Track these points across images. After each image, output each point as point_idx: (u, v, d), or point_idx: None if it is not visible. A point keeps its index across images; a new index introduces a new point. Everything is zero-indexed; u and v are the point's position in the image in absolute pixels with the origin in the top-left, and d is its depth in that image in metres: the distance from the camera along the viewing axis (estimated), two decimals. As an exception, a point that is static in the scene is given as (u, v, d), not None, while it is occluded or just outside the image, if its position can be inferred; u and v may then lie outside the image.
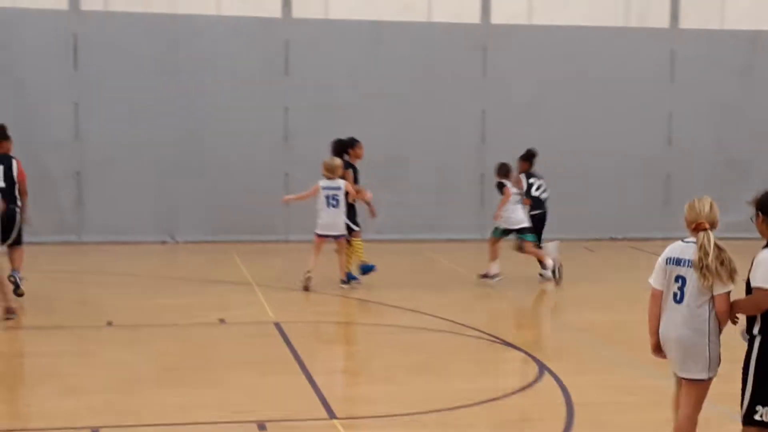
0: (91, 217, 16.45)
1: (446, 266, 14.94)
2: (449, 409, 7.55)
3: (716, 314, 5.76)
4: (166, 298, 12.01)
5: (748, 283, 5.63)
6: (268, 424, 7.11)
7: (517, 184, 13.35)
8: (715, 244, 5.73)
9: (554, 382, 8.34)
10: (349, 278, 12.78)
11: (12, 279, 11.38)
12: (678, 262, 5.85)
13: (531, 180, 13.62)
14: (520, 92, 17.53)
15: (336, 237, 12.67)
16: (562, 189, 15.49)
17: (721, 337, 5.86)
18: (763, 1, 18.73)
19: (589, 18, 17.99)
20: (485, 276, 13.17)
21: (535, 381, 8.43)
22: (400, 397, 7.96)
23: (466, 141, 17.61)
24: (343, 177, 12.64)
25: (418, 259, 15.72)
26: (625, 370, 8.85)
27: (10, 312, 10.71)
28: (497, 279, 13.13)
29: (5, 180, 11.50)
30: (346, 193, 12.59)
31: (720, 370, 5.87)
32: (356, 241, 12.89)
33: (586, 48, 17.73)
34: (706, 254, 5.69)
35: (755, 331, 5.62)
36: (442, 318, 10.93)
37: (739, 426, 5.70)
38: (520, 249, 13.32)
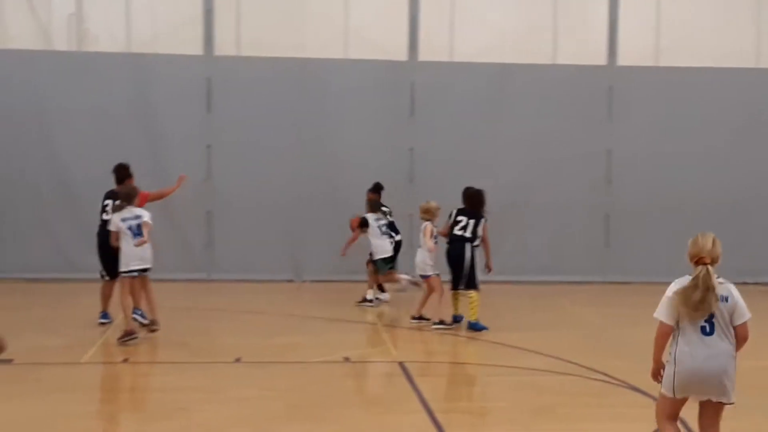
0: (220, 255, 16.85)
1: (569, 308, 14.81)
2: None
3: (738, 342, 6.30)
4: (292, 336, 12.20)
5: None
6: (392, 462, 7.16)
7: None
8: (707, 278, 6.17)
9: (683, 429, 8.16)
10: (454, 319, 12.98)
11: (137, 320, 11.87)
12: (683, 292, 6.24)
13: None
14: (645, 132, 17.35)
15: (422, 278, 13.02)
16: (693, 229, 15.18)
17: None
18: None
19: (718, 60, 17.74)
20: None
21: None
22: (525, 439, 7.91)
23: (589, 181, 17.48)
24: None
25: (539, 300, 15.63)
26: (759, 418, 8.61)
27: (129, 334, 11.20)
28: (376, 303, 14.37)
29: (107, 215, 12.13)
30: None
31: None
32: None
33: (712, 89, 17.47)
34: (707, 288, 6.15)
35: None
36: (565, 360, 10.82)
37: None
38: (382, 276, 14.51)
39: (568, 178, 17.38)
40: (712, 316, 6.23)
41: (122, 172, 12.49)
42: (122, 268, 11.58)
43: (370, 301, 14.49)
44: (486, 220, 12.89)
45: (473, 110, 17.20)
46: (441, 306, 12.83)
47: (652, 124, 17.49)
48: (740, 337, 6.29)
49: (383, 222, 14.57)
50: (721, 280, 6.29)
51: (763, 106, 17.62)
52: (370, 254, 14.52)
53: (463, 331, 12.68)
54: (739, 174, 17.50)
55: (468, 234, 12.79)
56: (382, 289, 14.96)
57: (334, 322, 13.36)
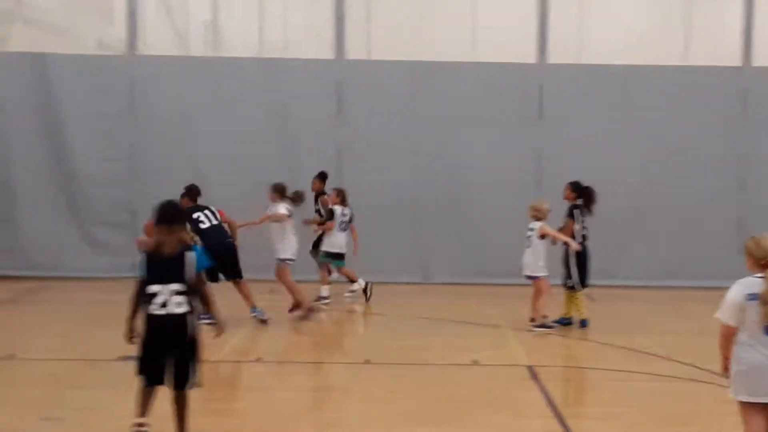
0: (350, 257, 17.05)
1: (699, 314, 14.53)
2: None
3: None
4: (420, 338, 12.31)
5: None
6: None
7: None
8: None
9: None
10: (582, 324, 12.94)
11: (258, 318, 12.23)
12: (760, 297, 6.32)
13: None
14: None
15: (529, 278, 12.86)
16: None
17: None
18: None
19: None
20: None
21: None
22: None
23: (721, 185, 17.12)
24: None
25: (667, 306, 15.40)
26: None
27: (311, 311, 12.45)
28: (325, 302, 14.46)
29: (214, 220, 12.64)
30: (542, 236, 12.70)
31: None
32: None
33: None
34: None
35: None
36: (698, 367, 10.66)
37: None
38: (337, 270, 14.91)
39: (699, 181, 17.06)
40: None
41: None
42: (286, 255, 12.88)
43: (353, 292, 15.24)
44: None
45: (603, 113, 17.04)
46: (543, 308, 12.82)
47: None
48: None
49: (346, 219, 14.87)
50: None
51: None
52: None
53: (576, 333, 12.64)
54: None
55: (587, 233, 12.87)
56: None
57: (462, 325, 13.42)
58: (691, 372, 10.52)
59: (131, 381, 7.46)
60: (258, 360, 11.07)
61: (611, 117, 17.06)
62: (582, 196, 13.01)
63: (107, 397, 8.98)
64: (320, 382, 10.14)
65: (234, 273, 12.71)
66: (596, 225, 13.33)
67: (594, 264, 13.14)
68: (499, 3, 18.12)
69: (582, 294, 13.01)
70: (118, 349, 9.24)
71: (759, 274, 6.39)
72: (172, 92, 17.00)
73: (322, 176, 15.40)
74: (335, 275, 15.24)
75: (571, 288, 12.95)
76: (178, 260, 7.14)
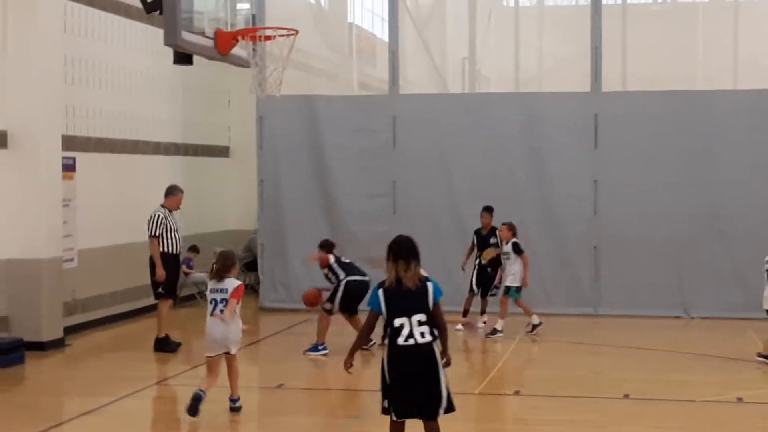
0: (607, 290, 16.98)
1: None
2: None
3: None
4: (682, 373, 12.13)
5: None
6: None
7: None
8: None
9: None
10: None
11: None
12: None
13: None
14: None
15: None
16: None
17: None
18: None
19: None
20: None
21: None
22: None
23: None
24: None
25: None
26: None
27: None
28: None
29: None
30: None
31: None
32: None
33: None
34: None
35: None
36: None
37: None
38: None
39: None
40: None
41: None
42: None
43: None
44: None
45: None
46: None
47: None
48: None
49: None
50: None
51: None
52: None
53: None
54: None
55: None
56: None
57: (725, 360, 13.09)
58: None
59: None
60: (516, 393, 11.27)
61: None
62: None
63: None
64: (578, 417, 10.21)
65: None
66: None
67: None
68: (762, 27, 17.61)
69: None
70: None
71: None
72: (432, 128, 17.49)
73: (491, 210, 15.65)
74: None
75: None
76: (421, 292, 7.39)
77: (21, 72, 13.54)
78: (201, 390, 9.83)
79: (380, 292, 7.43)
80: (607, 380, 11.89)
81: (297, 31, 13.02)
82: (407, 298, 7.35)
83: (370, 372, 12.03)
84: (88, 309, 15.46)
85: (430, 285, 7.42)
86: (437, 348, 7.39)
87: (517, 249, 14.85)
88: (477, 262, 15.44)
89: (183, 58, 12.94)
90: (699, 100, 16.91)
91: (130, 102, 16.73)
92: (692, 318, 16.71)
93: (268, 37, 13.39)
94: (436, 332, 7.40)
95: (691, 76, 17.83)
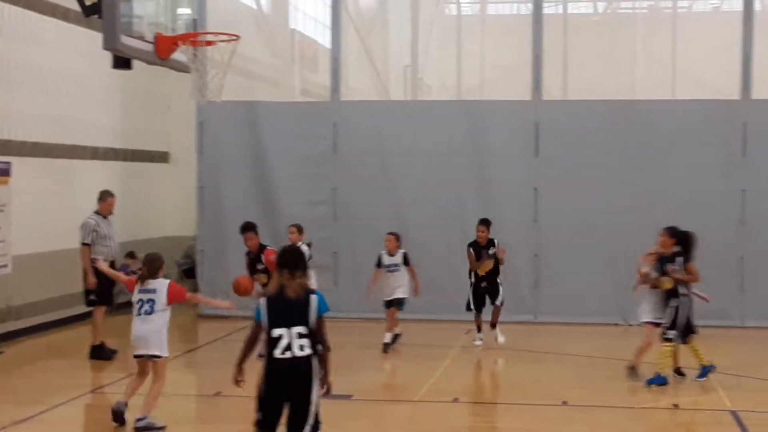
0: (547, 297, 17.08)
1: None
2: None
3: None
4: (619, 381, 12.20)
5: None
6: None
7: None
8: None
9: None
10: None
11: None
12: None
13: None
14: None
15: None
16: None
17: None
18: None
19: None
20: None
21: None
22: None
23: None
24: None
25: None
26: None
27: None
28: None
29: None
30: None
31: None
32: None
33: None
34: None
35: None
36: None
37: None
38: None
39: None
40: None
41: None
42: None
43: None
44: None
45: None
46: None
47: None
48: None
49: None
50: None
51: None
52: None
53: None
54: None
55: None
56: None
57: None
58: None
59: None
60: (455, 401, 11.26)
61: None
62: (683, 242, 12.19)
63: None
64: (516, 424, 10.24)
65: None
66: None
67: None
68: (701, 40, 17.90)
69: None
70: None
71: None
72: (375, 135, 17.46)
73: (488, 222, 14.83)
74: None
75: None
76: (303, 304, 7.13)
77: (-46, 75, 13.30)
78: (121, 402, 9.75)
79: (263, 301, 7.19)
80: (546, 387, 11.93)
81: (238, 37, 12.94)
82: (288, 308, 7.08)
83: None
84: (23, 316, 15.19)
85: (314, 297, 7.14)
86: (316, 363, 7.10)
87: (406, 260, 14.33)
88: (471, 278, 14.68)
89: (122, 62, 12.79)
90: (638, 110, 17.07)
91: (68, 106, 16.49)
92: (630, 325, 16.84)
93: (209, 43, 13.29)
94: (318, 347, 7.13)
95: (631, 86, 18.06)
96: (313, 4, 23.02)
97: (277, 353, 7.01)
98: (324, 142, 17.61)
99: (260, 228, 16.72)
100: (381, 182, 17.42)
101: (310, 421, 7.08)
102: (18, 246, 14.66)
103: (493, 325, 14.54)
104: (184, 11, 15.52)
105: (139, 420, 9.61)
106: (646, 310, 12.30)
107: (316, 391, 7.09)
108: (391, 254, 14.30)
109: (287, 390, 7.06)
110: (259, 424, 7.16)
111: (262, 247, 13.30)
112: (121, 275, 11.25)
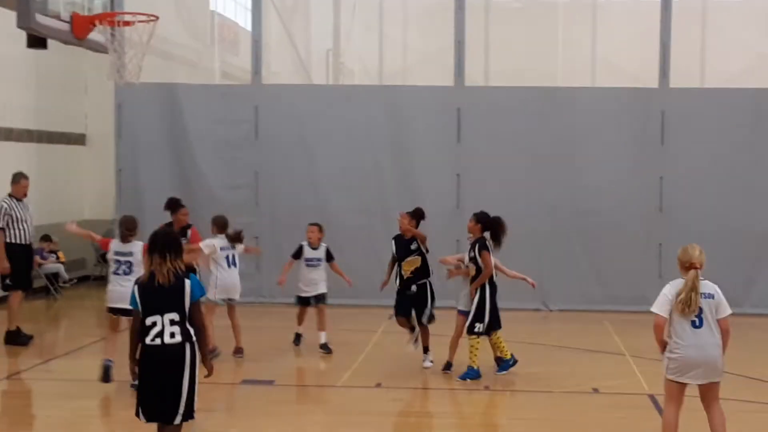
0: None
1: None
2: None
3: (722, 332, 7.79)
4: (540, 366, 12.31)
5: None
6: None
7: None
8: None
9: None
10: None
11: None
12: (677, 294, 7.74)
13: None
14: None
15: None
16: None
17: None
18: None
19: None
20: None
21: None
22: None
23: None
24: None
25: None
26: None
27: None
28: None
29: None
30: None
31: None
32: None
33: None
34: (694, 289, 7.69)
35: None
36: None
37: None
38: None
39: None
40: (701, 311, 7.73)
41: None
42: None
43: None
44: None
45: (727, 138, 16.74)
46: None
47: None
48: (722, 328, 7.80)
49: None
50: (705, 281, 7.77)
51: None
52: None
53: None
54: None
55: None
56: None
57: (583, 352, 13.39)
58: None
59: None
60: (378, 386, 11.23)
61: (736, 142, 16.73)
62: (490, 227, 11.67)
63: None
64: (436, 408, 10.24)
65: None
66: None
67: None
68: (619, 28, 18.06)
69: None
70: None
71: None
72: (296, 118, 17.31)
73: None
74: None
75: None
76: (177, 289, 6.98)
77: None
78: (108, 360, 10.15)
79: (136, 288, 7.07)
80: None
81: (157, 18, 12.70)
82: (160, 294, 6.95)
83: (229, 366, 11.87)
84: (-66, 302, 14.77)
85: (187, 282, 7.00)
86: (190, 350, 6.96)
87: (330, 256, 13.16)
88: (397, 278, 12.15)
89: (37, 41, 12.48)
90: (559, 97, 17.21)
91: (-19, 87, 16.06)
92: (551, 311, 17.03)
93: (127, 23, 13.02)
94: (192, 333, 7.00)
95: (552, 73, 18.17)
96: (234, -13, 22.75)
97: (148, 340, 6.92)
98: (245, 126, 17.42)
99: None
100: (303, 167, 17.29)
101: (181, 410, 6.97)
102: (-72, 229, 14.21)
103: (425, 350, 12.16)
104: (102, -10, 15.20)
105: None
106: (460, 298, 11.84)
107: (187, 379, 6.96)
108: (314, 247, 13.00)
109: (159, 378, 6.95)
110: (137, 413, 7.08)
111: (188, 226, 13.03)
112: (94, 235, 11.38)
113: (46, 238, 17.53)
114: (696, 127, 16.78)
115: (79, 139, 20.02)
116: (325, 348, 12.97)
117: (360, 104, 17.42)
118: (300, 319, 13.27)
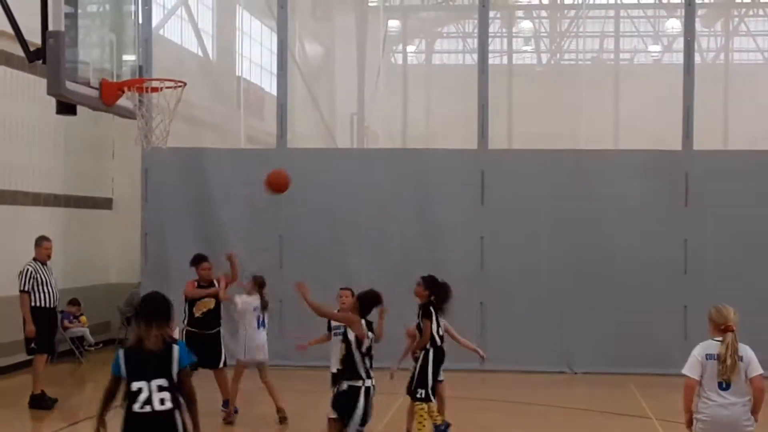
0: (492, 345, 17.05)
1: None
2: None
3: (755, 393, 7.75)
4: (568, 429, 12.21)
5: None
6: None
7: None
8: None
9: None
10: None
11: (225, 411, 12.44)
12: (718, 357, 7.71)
13: None
14: None
15: None
16: None
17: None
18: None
19: None
20: None
21: None
22: None
23: None
24: None
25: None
26: None
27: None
28: None
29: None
30: None
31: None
32: None
33: None
34: (735, 352, 7.64)
35: None
36: None
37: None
38: None
39: None
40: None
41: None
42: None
43: None
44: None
45: (751, 199, 16.71)
46: None
47: None
48: (755, 387, 7.75)
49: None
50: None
51: None
52: None
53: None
54: None
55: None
56: None
57: (608, 416, 13.25)
58: None
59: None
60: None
61: (759, 202, 16.70)
62: (435, 293, 11.55)
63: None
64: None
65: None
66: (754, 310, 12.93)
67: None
68: (642, 91, 18.18)
69: None
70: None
71: (718, 338, 7.78)
72: (319, 183, 17.41)
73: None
74: None
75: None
76: (164, 356, 6.84)
77: None
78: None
79: (121, 352, 6.93)
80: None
81: (185, 83, 12.87)
82: (148, 360, 6.78)
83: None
84: (-38, 364, 14.87)
85: (176, 348, 6.86)
86: (180, 418, 6.81)
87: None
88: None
89: (66, 108, 12.62)
90: (582, 159, 17.26)
91: (10, 152, 16.27)
92: (575, 373, 16.91)
93: (155, 89, 13.16)
94: (181, 400, 6.84)
95: (574, 136, 18.25)
96: (260, 52, 23.08)
97: (137, 407, 6.75)
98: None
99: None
100: (327, 230, 17.35)
101: None
102: (-42, 293, 14.39)
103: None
104: (130, 58, 15.43)
105: None
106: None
107: None
108: None
109: None
110: None
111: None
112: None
113: (74, 302, 17.63)
114: (720, 189, 16.77)
115: (105, 203, 20.21)
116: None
117: (384, 168, 17.51)
118: None
